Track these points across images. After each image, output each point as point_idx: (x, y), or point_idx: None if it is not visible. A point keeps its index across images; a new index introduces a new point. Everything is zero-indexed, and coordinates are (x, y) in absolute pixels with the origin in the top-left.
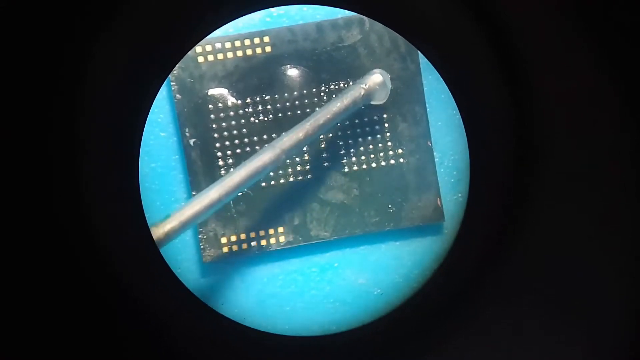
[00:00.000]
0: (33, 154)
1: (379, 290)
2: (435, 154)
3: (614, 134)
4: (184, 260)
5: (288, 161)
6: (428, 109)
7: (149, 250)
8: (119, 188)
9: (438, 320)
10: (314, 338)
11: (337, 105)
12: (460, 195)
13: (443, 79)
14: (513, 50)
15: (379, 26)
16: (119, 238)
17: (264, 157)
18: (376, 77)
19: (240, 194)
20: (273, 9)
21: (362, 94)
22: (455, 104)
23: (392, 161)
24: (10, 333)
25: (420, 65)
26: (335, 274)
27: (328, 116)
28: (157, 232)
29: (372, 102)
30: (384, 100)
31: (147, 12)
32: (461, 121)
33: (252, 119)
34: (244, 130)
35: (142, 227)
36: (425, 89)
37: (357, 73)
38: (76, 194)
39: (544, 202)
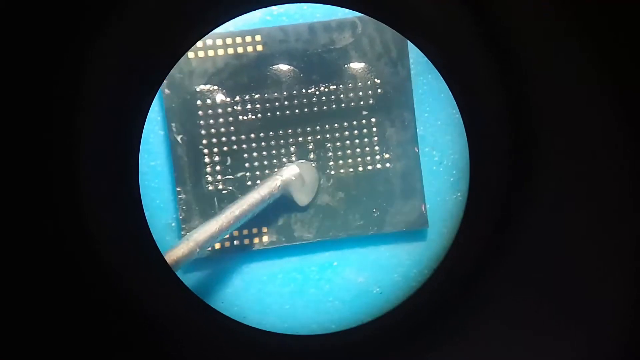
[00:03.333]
0: (32, 155)
1: (378, 289)
2: (434, 153)
3: (610, 134)
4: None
5: (275, 161)
6: (428, 108)
7: (148, 249)
8: (118, 186)
9: (437, 319)
10: (313, 337)
11: (254, 197)
12: (459, 194)
13: (443, 78)
14: (513, 49)
15: (371, 30)
16: (118, 237)
17: (181, 248)
18: (293, 169)
19: (225, 192)
20: (274, 8)
21: (278, 184)
22: (454, 103)
23: (379, 165)
24: (8, 334)
25: (419, 66)
26: (335, 273)
27: (245, 207)
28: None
29: (292, 194)
30: (301, 194)
31: (145, 11)
32: (461, 120)
33: (240, 117)
34: (232, 128)
35: (141, 226)
36: (425, 88)
37: (347, 76)
38: (75, 193)
39: (542, 200)
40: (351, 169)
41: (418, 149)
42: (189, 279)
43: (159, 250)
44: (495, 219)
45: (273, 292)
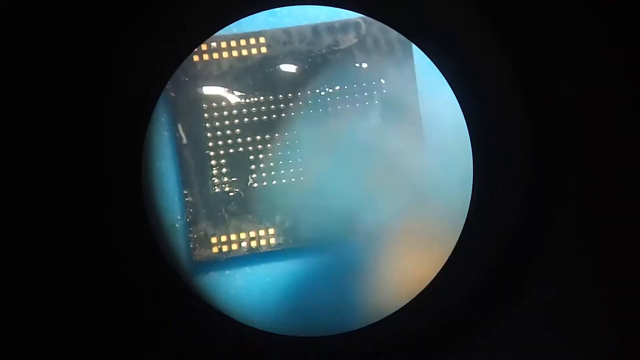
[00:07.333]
0: (35, 155)
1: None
2: (437, 154)
3: (617, 137)
4: (186, 260)
5: (281, 163)
6: (431, 110)
7: (151, 251)
8: (122, 187)
9: (439, 322)
10: (315, 339)
11: None
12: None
13: (446, 80)
14: (517, 52)
15: (375, 30)
16: (121, 238)
17: None
18: None
19: (231, 194)
20: (277, 9)
21: None
22: (458, 105)
23: None
24: (12, 330)
25: (422, 67)
26: (338, 275)
27: None
28: None
29: None
30: None
31: (150, 13)
32: (464, 122)
33: (245, 119)
34: (237, 130)
35: (145, 227)
36: (428, 89)
37: (352, 77)
38: (78, 193)
39: (548, 204)
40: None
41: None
42: (193, 280)
43: (162, 251)
44: (499, 221)
45: (276, 293)
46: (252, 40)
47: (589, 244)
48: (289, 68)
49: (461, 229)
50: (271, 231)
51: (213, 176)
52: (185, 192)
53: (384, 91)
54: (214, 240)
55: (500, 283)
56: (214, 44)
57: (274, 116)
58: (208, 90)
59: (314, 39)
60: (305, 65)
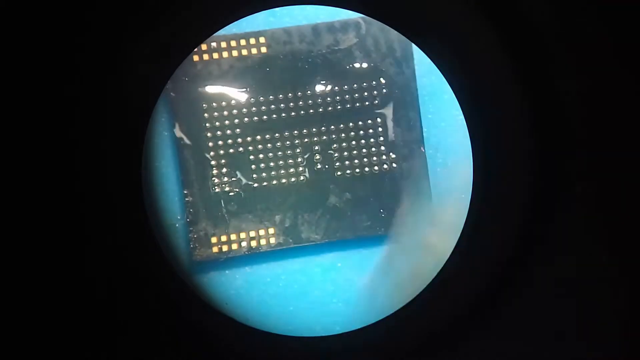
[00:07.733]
0: (34, 155)
1: (381, 291)
2: (438, 154)
3: (621, 129)
4: (186, 260)
5: (281, 162)
6: (432, 109)
7: (151, 250)
8: (122, 187)
9: (441, 322)
10: (316, 339)
11: None
12: (463, 196)
13: (446, 80)
14: (517, 52)
15: (375, 30)
16: (121, 237)
17: None
18: None
19: (231, 194)
20: (277, 9)
21: None
22: (458, 105)
23: (385, 166)
24: (11, 331)
25: (422, 66)
26: (338, 274)
27: None
28: None
29: None
30: None
31: (149, 13)
32: (464, 122)
33: (245, 119)
34: (237, 130)
35: (145, 226)
36: (428, 89)
37: (352, 76)
38: (78, 193)
39: (546, 202)
40: (357, 170)
41: (424, 148)
42: (193, 280)
43: (162, 251)
44: (499, 223)
45: (276, 293)
46: (252, 40)
47: (591, 244)
48: (289, 68)
49: (461, 229)
50: (271, 231)
51: (213, 176)
52: (185, 191)
53: (384, 90)
54: (214, 240)
55: (500, 284)
56: (214, 44)
57: (274, 116)
58: (208, 90)
59: (314, 39)
60: (305, 65)
